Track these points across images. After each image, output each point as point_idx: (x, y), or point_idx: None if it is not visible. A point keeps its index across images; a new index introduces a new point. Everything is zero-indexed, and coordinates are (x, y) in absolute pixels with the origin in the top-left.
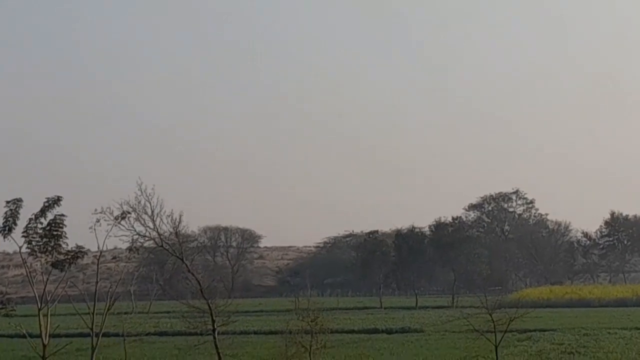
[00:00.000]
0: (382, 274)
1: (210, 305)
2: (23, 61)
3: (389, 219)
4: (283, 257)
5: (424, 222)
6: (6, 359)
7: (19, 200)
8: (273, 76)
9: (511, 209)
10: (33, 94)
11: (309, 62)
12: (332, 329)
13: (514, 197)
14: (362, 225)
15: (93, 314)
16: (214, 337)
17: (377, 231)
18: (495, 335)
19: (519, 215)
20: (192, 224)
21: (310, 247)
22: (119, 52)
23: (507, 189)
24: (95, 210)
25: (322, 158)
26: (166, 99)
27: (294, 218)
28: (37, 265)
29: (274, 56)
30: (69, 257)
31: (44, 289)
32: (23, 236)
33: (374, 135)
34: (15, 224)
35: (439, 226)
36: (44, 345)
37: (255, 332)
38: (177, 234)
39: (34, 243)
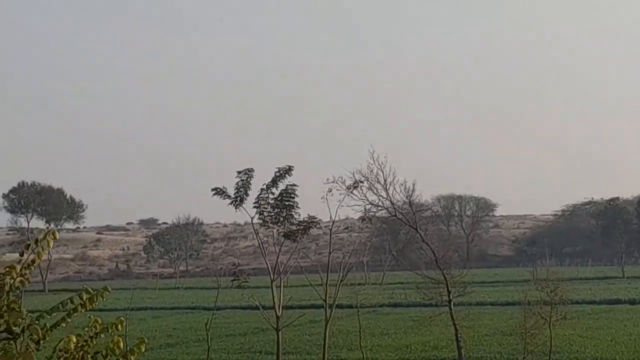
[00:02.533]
0: (623, 243)
1: (446, 275)
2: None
3: (631, 184)
4: (519, 225)
5: None
6: (240, 330)
7: (251, 170)
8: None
9: None
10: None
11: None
12: (573, 299)
13: None
14: (601, 192)
15: (326, 285)
16: (450, 309)
17: (617, 198)
18: None
19: None
20: (426, 193)
21: (547, 215)
22: None
23: None
24: (327, 179)
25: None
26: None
27: (531, 186)
28: (268, 236)
29: None
30: (301, 227)
31: (277, 260)
32: (254, 207)
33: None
34: (247, 195)
35: None
36: (277, 317)
37: (492, 303)
38: (410, 203)
39: (265, 214)
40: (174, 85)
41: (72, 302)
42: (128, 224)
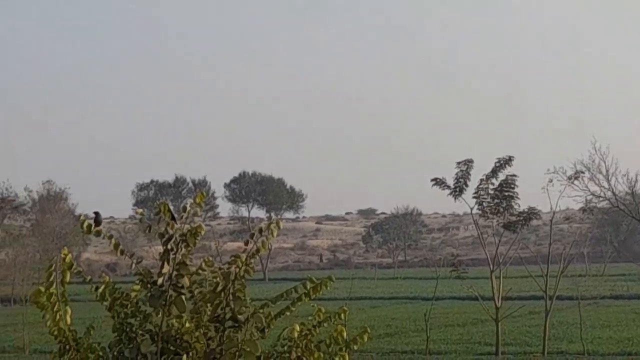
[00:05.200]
0: None
1: None
2: None
3: None
4: None
5: None
6: (459, 320)
7: (470, 161)
8: None
9: None
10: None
11: None
12: None
13: None
14: None
15: (546, 276)
16: None
17: None
18: None
19: None
20: None
21: None
22: None
23: None
24: (548, 170)
25: None
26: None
27: None
28: (487, 227)
29: None
30: (521, 218)
31: (496, 251)
32: (474, 197)
33: None
34: (467, 185)
35: None
36: (497, 308)
37: None
38: (633, 193)
39: (484, 204)
40: (393, 74)
41: (296, 291)
42: (347, 213)
